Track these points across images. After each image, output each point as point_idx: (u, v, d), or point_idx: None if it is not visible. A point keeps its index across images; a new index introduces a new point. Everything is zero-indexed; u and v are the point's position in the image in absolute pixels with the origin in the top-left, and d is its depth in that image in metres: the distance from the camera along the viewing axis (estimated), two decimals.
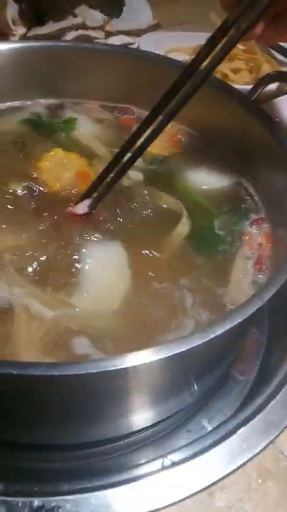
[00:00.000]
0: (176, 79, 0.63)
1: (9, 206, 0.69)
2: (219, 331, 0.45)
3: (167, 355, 0.42)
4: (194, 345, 0.43)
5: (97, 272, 0.62)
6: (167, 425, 0.67)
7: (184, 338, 0.44)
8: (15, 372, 0.40)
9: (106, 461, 0.61)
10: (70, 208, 0.69)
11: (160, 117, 0.65)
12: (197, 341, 0.44)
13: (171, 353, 0.42)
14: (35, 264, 0.61)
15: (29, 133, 0.85)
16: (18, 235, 0.65)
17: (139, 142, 0.67)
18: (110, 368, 0.40)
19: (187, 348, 0.44)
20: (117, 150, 0.79)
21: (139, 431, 0.65)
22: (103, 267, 0.63)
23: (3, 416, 0.52)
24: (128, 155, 0.67)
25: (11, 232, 0.66)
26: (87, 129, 0.89)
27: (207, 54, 0.61)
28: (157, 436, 0.66)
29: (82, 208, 0.68)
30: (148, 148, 0.67)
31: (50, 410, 0.51)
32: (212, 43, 0.60)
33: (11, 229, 0.66)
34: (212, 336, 0.45)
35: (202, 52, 0.61)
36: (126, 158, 0.67)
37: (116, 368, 0.41)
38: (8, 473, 0.53)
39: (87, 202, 0.69)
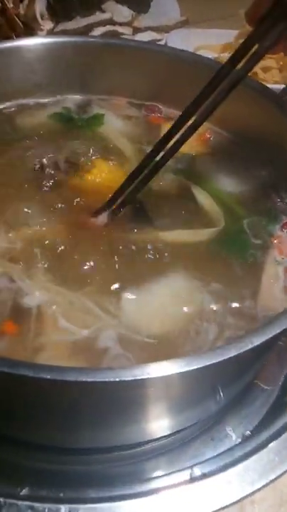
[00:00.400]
0: (210, 80, 0.61)
1: (44, 199, 0.68)
2: (256, 341, 0.44)
3: (204, 365, 0.41)
4: (231, 355, 0.42)
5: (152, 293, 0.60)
6: (189, 432, 0.65)
7: (220, 348, 0.43)
8: (48, 377, 0.39)
9: (129, 467, 0.60)
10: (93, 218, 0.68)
11: (194, 118, 0.64)
12: (233, 352, 0.43)
13: (208, 363, 0.41)
14: (69, 265, 0.60)
15: (58, 127, 0.84)
16: (54, 231, 0.64)
17: (170, 144, 0.65)
18: (146, 376, 0.39)
19: (224, 358, 0.42)
20: (143, 146, 0.79)
21: (162, 437, 0.63)
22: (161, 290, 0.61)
23: (29, 417, 0.51)
24: (159, 156, 0.66)
25: (47, 226, 0.65)
26: (113, 125, 0.88)
27: (228, 72, 0.60)
28: (180, 443, 0.64)
29: (105, 214, 0.67)
30: None
31: (78, 413, 0.50)
32: (235, 59, 0.60)
33: (49, 223, 0.65)
34: (250, 346, 0.43)
35: (225, 68, 0.60)
36: (156, 159, 0.66)
37: (152, 376, 0.39)
38: (33, 476, 0.52)
39: (117, 204, 0.67)
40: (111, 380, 0.39)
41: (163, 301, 0.60)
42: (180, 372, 0.41)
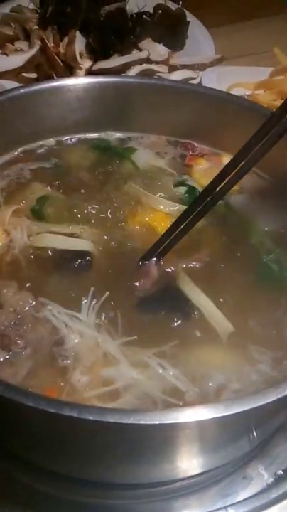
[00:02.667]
0: (260, 127, 0.62)
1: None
2: None
3: (245, 409, 0.42)
4: (270, 400, 0.43)
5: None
6: (221, 470, 0.65)
7: (260, 393, 0.44)
8: (91, 418, 0.41)
9: (159, 504, 0.61)
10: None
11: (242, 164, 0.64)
12: (272, 396, 0.43)
13: (249, 407, 0.42)
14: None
15: (98, 164, 0.88)
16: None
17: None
18: (185, 420, 0.40)
19: (263, 403, 0.43)
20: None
21: (194, 475, 0.64)
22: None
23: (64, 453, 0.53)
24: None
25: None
26: (146, 160, 0.90)
27: (279, 119, 0.61)
28: (212, 481, 0.65)
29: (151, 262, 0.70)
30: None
31: (113, 451, 0.51)
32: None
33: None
34: None
35: (276, 115, 0.61)
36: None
37: (192, 420, 0.40)
38: None
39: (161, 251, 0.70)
40: (156, 422, 0.40)
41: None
42: (220, 416, 0.42)
